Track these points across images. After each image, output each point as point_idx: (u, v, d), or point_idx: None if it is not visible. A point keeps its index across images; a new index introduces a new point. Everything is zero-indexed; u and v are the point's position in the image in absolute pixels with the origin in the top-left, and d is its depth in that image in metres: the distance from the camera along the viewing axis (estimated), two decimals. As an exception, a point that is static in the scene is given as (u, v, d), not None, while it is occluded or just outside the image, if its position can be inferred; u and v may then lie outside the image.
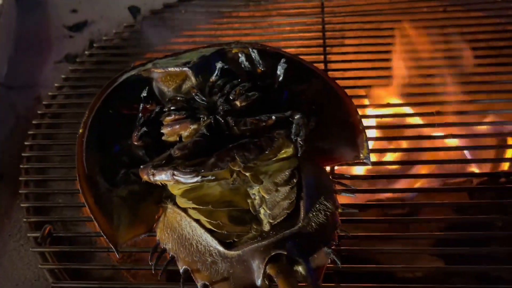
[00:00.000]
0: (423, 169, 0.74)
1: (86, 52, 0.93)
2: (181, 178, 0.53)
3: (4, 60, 0.93)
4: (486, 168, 0.73)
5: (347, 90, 0.64)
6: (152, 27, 0.99)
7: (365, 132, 0.61)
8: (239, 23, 0.98)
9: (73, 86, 0.86)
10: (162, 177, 0.54)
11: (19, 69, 0.93)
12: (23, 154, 0.74)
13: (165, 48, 0.93)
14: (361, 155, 0.60)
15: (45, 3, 1.07)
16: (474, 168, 0.74)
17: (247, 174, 0.54)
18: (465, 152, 0.74)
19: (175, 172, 0.53)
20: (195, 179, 0.53)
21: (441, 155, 0.71)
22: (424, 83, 0.80)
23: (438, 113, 0.73)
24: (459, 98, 0.76)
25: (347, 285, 0.56)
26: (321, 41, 0.90)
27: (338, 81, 0.68)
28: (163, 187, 0.57)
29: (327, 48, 0.88)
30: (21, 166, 0.72)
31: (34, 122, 0.79)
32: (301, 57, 0.84)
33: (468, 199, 0.67)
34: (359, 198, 0.73)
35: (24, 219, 0.65)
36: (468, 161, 0.72)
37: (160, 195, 0.58)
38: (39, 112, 0.81)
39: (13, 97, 0.87)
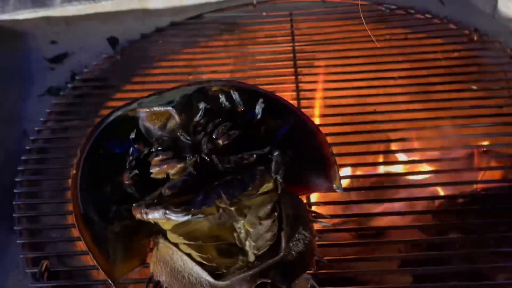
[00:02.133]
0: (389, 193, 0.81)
1: (69, 85, 0.97)
2: (173, 216, 0.58)
3: (-12, 95, 0.96)
4: (448, 190, 0.80)
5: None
6: (130, 59, 1.03)
7: (336, 164, 0.67)
8: (214, 53, 1.03)
9: (58, 120, 0.90)
10: (154, 215, 0.59)
11: (3, 103, 0.96)
12: (14, 191, 0.77)
13: (144, 80, 0.98)
14: (334, 185, 0.67)
15: (24, 34, 1.10)
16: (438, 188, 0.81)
17: (232, 209, 0.59)
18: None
19: (167, 212, 0.58)
20: (186, 218, 0.58)
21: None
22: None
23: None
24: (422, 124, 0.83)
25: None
26: (292, 69, 0.96)
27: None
28: (154, 222, 0.62)
29: (299, 77, 0.94)
30: (14, 202, 0.75)
31: (22, 158, 0.82)
32: (274, 83, 0.92)
33: (431, 220, 0.74)
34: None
35: (21, 255, 0.69)
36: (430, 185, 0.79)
37: (151, 229, 0.62)
38: (27, 147, 0.84)
39: (1, 131, 0.90)
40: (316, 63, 0.99)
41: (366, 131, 0.84)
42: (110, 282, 0.57)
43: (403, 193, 0.80)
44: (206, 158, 0.64)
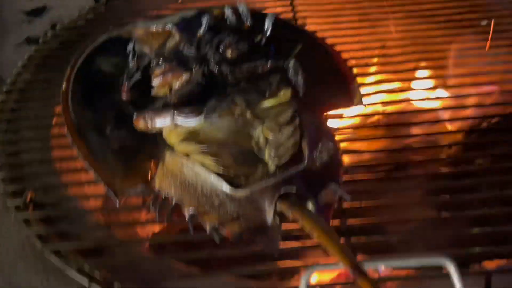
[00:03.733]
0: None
1: (49, 34, 0.89)
2: (183, 119, 0.51)
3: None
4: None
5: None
6: (117, 10, 0.96)
7: (356, 79, 0.62)
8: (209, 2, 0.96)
9: (39, 64, 0.82)
10: (162, 121, 0.52)
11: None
12: (-10, 127, 0.69)
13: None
14: (354, 101, 0.61)
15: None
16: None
17: (249, 114, 0.52)
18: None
19: (175, 114, 0.51)
20: (197, 120, 0.51)
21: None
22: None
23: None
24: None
25: (354, 219, 0.55)
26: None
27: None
28: (155, 142, 0.55)
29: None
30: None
31: (-1, 99, 0.74)
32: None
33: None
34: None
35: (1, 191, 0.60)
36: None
37: (151, 150, 0.55)
38: (4, 90, 0.76)
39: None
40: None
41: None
42: (113, 195, 0.50)
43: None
44: (215, 68, 0.58)
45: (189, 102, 0.54)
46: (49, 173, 0.62)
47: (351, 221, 0.55)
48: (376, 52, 0.81)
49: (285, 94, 0.55)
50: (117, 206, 0.50)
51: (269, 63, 0.57)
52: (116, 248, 0.53)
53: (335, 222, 0.55)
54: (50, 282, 0.53)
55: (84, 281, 0.50)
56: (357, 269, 0.39)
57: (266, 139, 0.52)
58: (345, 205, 0.56)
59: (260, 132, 0.52)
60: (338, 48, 0.68)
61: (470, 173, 0.66)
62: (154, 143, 0.55)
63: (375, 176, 0.69)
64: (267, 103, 0.54)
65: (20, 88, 0.77)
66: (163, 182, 0.53)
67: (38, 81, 0.78)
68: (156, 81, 0.57)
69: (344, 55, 0.67)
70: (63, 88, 0.57)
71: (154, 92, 0.58)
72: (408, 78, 0.77)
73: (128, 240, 0.55)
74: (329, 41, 0.73)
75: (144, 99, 0.58)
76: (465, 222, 0.63)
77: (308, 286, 0.40)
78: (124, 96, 0.57)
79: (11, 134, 0.68)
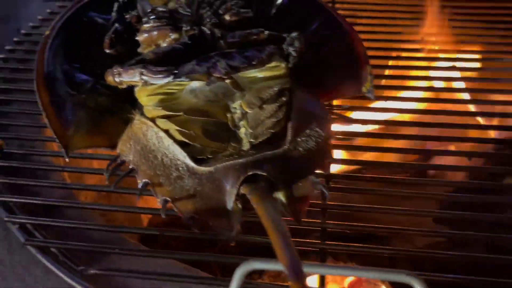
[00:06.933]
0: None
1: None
2: (151, 77, 0.45)
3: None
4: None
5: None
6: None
7: (369, 65, 0.54)
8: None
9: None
10: (129, 76, 0.47)
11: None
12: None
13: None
14: (363, 88, 0.53)
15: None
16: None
17: (228, 81, 0.46)
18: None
19: (143, 71, 0.46)
20: (166, 79, 0.45)
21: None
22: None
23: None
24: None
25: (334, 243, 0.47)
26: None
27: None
28: (133, 104, 0.50)
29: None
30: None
31: (7, 48, 0.72)
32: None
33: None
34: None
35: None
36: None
37: (128, 111, 0.50)
38: (14, 39, 0.74)
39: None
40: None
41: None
42: (63, 149, 0.45)
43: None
44: (207, 31, 0.52)
45: (167, 61, 0.48)
46: (30, 125, 0.59)
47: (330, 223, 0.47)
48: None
49: (276, 66, 0.48)
50: (67, 160, 0.45)
51: (266, 32, 0.51)
52: (66, 210, 0.48)
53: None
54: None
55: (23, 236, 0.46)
56: (294, 271, 0.32)
57: (245, 114, 0.46)
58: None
59: (238, 105, 0.46)
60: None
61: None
62: (133, 106, 0.50)
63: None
64: (253, 72, 0.47)
65: (31, 40, 0.75)
66: (124, 145, 0.47)
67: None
68: (140, 37, 0.52)
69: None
70: (45, 34, 0.54)
71: (141, 49, 0.53)
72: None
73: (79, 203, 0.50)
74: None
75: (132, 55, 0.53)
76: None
77: (241, 282, 0.34)
78: (106, 47, 0.53)
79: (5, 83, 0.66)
